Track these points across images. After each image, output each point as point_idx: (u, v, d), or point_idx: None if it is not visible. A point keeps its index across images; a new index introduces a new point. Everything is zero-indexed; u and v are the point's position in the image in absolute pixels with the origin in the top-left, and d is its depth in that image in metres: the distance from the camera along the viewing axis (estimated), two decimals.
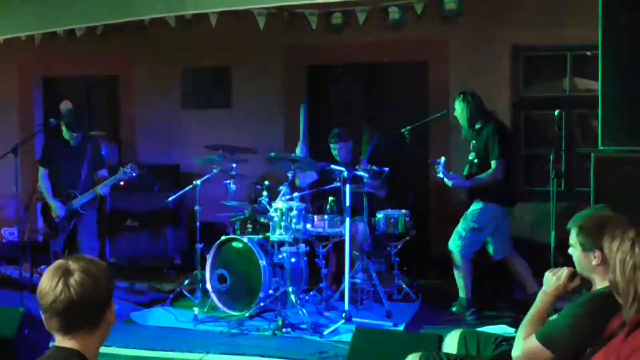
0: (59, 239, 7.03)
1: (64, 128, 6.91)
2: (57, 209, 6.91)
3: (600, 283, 3.17)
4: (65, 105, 9.25)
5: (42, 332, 4.90)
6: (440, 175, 6.39)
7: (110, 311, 2.43)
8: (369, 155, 7.25)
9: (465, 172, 6.64)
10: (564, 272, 3.31)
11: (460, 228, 6.55)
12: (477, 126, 6.56)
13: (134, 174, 6.87)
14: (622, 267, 2.75)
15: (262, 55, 8.94)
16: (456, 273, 6.58)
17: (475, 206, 6.53)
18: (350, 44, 8.53)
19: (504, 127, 6.76)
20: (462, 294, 6.57)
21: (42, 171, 7.09)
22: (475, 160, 6.56)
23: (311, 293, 6.87)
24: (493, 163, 6.41)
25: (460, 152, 8.24)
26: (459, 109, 6.63)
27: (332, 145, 7.45)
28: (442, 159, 6.37)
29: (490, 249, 6.64)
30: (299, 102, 8.97)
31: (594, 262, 3.15)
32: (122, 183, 8.29)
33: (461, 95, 6.64)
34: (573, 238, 3.25)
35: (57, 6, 6.13)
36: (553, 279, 3.32)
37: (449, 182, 6.47)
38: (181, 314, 6.69)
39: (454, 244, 6.54)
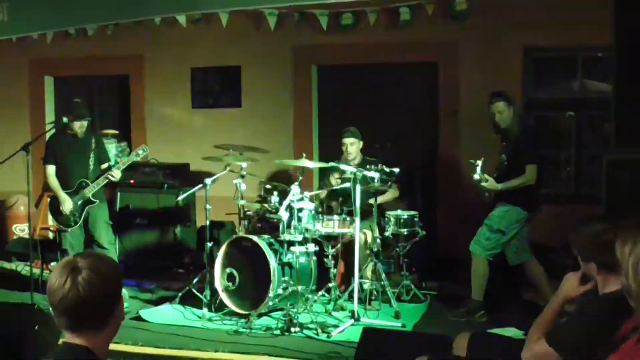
0: (71, 234, 7.05)
1: (71, 120, 6.99)
2: (66, 202, 6.95)
3: (607, 288, 3.16)
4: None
5: (52, 328, 4.95)
6: (477, 177, 6.29)
7: (119, 308, 2.44)
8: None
9: (494, 174, 6.51)
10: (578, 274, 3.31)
11: (484, 230, 6.49)
12: (512, 128, 6.48)
13: (145, 153, 7.11)
14: (634, 270, 2.73)
15: (272, 55, 8.96)
16: (473, 275, 6.54)
17: (500, 209, 6.46)
18: (360, 44, 8.53)
19: (535, 131, 6.64)
20: (475, 296, 6.53)
21: (48, 169, 7.14)
22: (506, 162, 6.44)
23: (320, 293, 6.87)
24: (528, 167, 6.30)
25: (470, 151, 8.25)
26: (502, 108, 6.45)
27: (342, 140, 7.42)
28: (481, 160, 6.28)
29: (509, 252, 6.59)
30: (309, 102, 8.98)
31: (594, 273, 3.15)
32: (132, 181, 8.35)
33: (502, 96, 6.47)
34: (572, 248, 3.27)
35: (69, 6, 6.14)
36: (574, 280, 3.33)
37: (485, 184, 6.33)
38: (190, 312, 6.71)
39: (477, 246, 6.49)
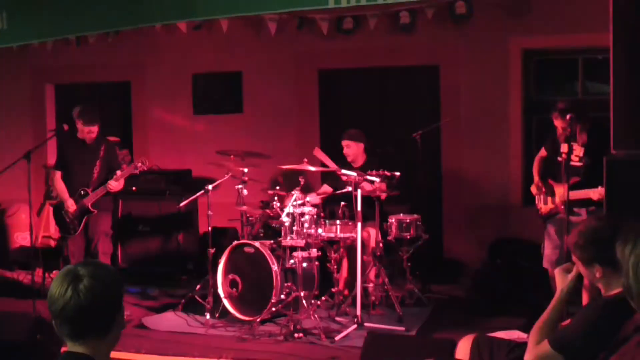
0: (72, 241, 7.04)
1: (79, 125, 6.94)
2: (70, 206, 6.92)
3: (610, 291, 3.14)
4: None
5: (54, 338, 4.94)
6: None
7: (120, 316, 2.43)
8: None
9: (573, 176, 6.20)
10: (574, 267, 3.30)
11: None
12: (583, 131, 6.02)
13: (145, 167, 6.93)
14: (634, 270, 2.73)
15: (273, 61, 8.96)
16: None
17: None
18: (361, 48, 8.53)
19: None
20: None
21: (55, 174, 7.14)
22: (582, 169, 5.96)
23: (323, 298, 6.86)
24: None
25: (472, 153, 8.25)
26: (563, 125, 6.02)
27: (342, 143, 7.39)
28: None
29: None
30: (310, 107, 8.98)
31: (597, 275, 3.13)
32: (134, 188, 8.34)
33: (565, 112, 5.92)
34: (572, 254, 3.24)
35: (69, 14, 6.15)
36: (564, 274, 3.31)
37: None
38: (193, 319, 6.70)
39: None
